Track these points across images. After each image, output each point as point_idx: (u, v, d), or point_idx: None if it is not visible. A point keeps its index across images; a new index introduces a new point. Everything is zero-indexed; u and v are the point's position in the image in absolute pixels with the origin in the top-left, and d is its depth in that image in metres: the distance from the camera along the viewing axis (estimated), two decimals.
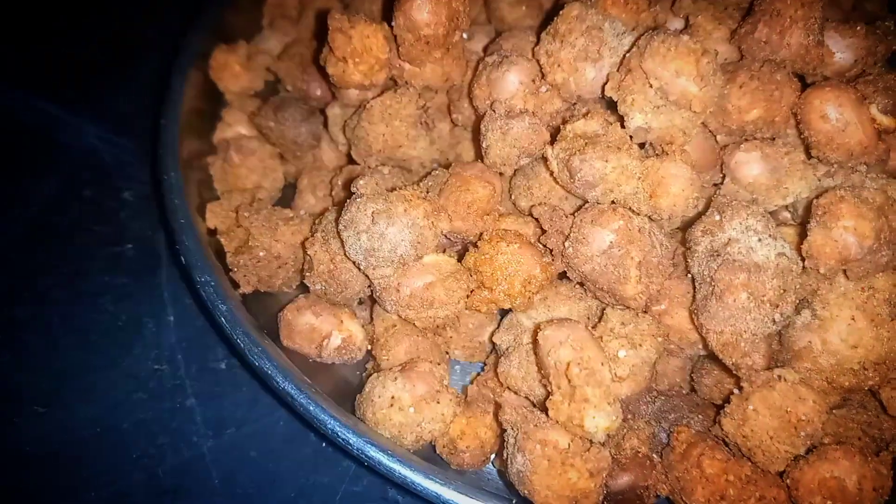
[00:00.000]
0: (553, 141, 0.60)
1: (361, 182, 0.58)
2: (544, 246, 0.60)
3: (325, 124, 0.74)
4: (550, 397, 0.52)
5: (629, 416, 0.57)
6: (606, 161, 0.56)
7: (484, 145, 0.61)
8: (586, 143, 0.57)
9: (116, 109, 0.89)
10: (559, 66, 0.60)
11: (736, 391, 0.54)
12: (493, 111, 0.61)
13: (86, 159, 0.85)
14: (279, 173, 0.75)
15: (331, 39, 0.63)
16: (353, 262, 0.57)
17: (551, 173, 0.60)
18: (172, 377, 0.69)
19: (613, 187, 0.57)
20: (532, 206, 0.62)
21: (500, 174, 0.64)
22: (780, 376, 0.52)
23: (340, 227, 0.56)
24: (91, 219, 0.80)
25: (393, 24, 0.62)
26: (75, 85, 0.91)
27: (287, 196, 0.76)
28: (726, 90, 0.59)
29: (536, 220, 0.61)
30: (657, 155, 0.57)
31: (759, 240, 0.54)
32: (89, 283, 0.76)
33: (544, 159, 0.60)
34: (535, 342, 0.54)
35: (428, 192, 0.59)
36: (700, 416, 0.58)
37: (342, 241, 0.57)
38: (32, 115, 0.89)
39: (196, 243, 0.63)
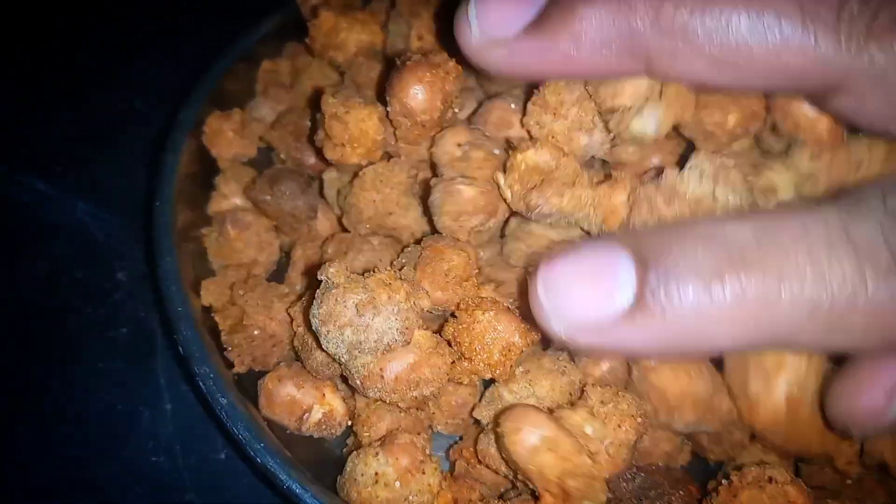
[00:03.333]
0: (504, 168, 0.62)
1: (332, 270, 0.55)
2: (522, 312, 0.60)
3: (321, 191, 0.75)
4: (541, 501, 0.53)
5: (610, 497, 0.56)
6: (562, 196, 0.59)
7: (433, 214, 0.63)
8: (543, 180, 0.59)
9: (106, 184, 0.90)
10: (553, 137, 0.62)
11: (724, 482, 0.55)
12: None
13: (75, 238, 0.85)
14: (275, 246, 0.75)
15: (327, 128, 0.64)
16: (332, 357, 0.57)
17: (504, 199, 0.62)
18: (171, 469, 0.69)
19: (568, 215, 0.60)
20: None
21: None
22: (770, 478, 0.52)
23: (316, 321, 0.54)
24: (83, 301, 0.80)
25: (388, 108, 0.64)
26: (63, 159, 0.92)
27: (283, 266, 0.76)
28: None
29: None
30: (608, 179, 0.60)
31: None
32: (83, 369, 0.76)
33: (496, 185, 0.62)
34: (498, 441, 0.54)
35: (402, 269, 0.60)
36: (681, 492, 0.58)
37: (317, 335, 0.55)
38: (19, 192, 0.90)
39: (193, 332, 0.63)
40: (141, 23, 1.10)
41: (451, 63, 0.64)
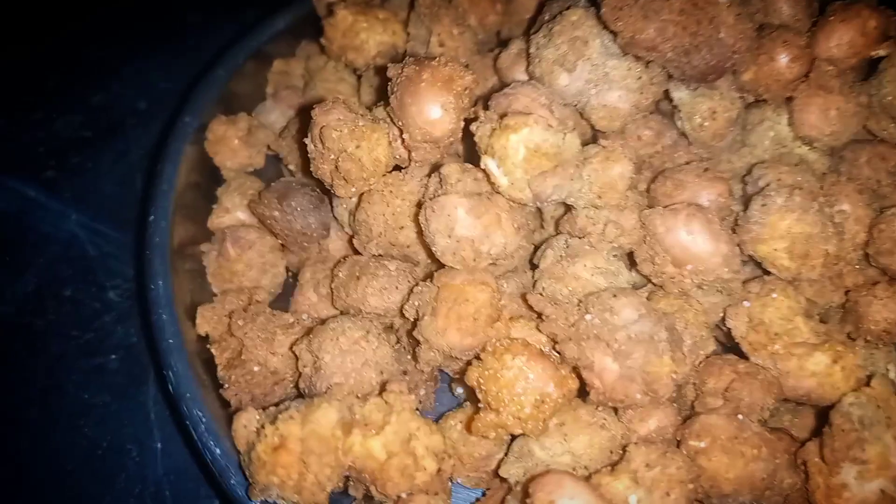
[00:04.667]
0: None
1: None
2: (559, 354, 0.55)
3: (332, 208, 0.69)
4: None
5: None
6: (573, 180, 0.58)
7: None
8: (556, 166, 0.57)
9: (101, 192, 0.85)
10: (539, 61, 0.64)
11: None
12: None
13: (66, 251, 0.80)
14: (280, 268, 0.70)
15: (343, 171, 0.59)
16: None
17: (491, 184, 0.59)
18: None
19: (570, 196, 0.59)
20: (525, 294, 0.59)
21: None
22: None
23: None
24: (70, 323, 0.75)
25: (402, 132, 0.59)
26: (56, 164, 0.87)
27: (290, 288, 0.71)
28: None
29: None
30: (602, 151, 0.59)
31: None
32: (66, 401, 0.70)
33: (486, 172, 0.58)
34: None
35: (418, 318, 0.56)
36: None
37: None
38: (7, 199, 0.85)
39: (185, 367, 0.57)
40: (146, 16, 1.05)
41: (469, 76, 0.57)
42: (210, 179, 0.74)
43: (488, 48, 0.79)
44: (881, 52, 0.66)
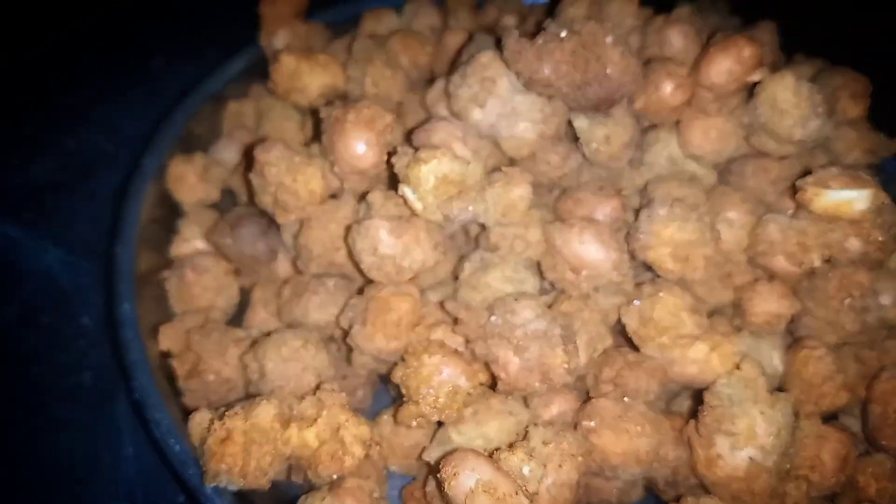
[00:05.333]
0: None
1: None
2: (472, 352, 0.63)
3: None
4: None
5: None
6: (477, 202, 0.66)
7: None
8: (460, 191, 0.65)
9: (75, 229, 0.93)
10: (456, 99, 0.72)
11: None
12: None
13: (44, 284, 0.88)
14: (234, 290, 0.78)
15: (281, 202, 0.68)
16: None
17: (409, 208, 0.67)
18: None
19: (477, 216, 0.67)
20: (443, 301, 0.68)
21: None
22: None
23: None
24: (49, 347, 0.83)
25: (334, 168, 0.69)
26: (35, 204, 0.95)
27: (245, 307, 0.79)
28: None
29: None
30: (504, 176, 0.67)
31: None
32: (46, 417, 0.78)
33: (403, 198, 0.66)
34: (439, 487, 0.56)
35: (351, 328, 0.65)
36: None
37: None
38: None
39: (148, 378, 0.66)
40: (113, 62, 1.13)
41: (388, 117, 0.67)
42: (172, 213, 0.82)
43: (424, 84, 0.87)
44: (756, 78, 0.74)
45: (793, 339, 0.72)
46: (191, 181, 0.82)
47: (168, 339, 0.71)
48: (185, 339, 0.70)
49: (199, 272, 0.76)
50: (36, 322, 0.85)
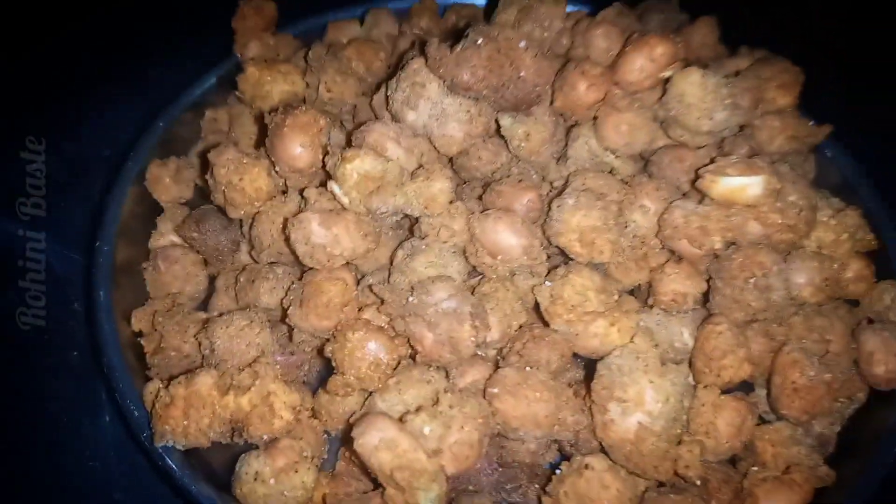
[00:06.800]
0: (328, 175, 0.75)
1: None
2: (394, 329, 0.71)
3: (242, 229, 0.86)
4: (385, 492, 0.63)
5: (470, 487, 0.66)
6: (395, 196, 0.73)
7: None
8: (378, 186, 0.72)
9: (71, 225, 1.03)
10: (393, 102, 0.79)
11: (557, 471, 0.64)
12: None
13: (42, 273, 0.99)
14: (202, 277, 0.87)
15: (228, 198, 0.78)
16: None
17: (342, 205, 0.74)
18: (104, 472, 0.82)
19: (401, 209, 0.75)
20: (371, 284, 0.75)
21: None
22: (587, 465, 0.62)
23: None
24: (43, 328, 0.94)
25: (276, 168, 0.77)
26: (34, 203, 1.04)
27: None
28: None
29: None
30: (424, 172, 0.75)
31: None
32: (36, 388, 0.89)
33: (332, 193, 0.74)
34: (353, 449, 0.64)
35: (290, 308, 0.73)
36: (537, 486, 0.67)
37: None
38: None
39: (118, 354, 0.75)
40: (112, 63, 1.23)
41: (322, 120, 0.75)
42: (152, 210, 0.92)
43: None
44: (667, 75, 0.80)
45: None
46: (165, 182, 0.91)
47: (139, 320, 0.80)
48: (152, 320, 0.80)
49: (169, 262, 0.85)
50: (33, 306, 0.96)
